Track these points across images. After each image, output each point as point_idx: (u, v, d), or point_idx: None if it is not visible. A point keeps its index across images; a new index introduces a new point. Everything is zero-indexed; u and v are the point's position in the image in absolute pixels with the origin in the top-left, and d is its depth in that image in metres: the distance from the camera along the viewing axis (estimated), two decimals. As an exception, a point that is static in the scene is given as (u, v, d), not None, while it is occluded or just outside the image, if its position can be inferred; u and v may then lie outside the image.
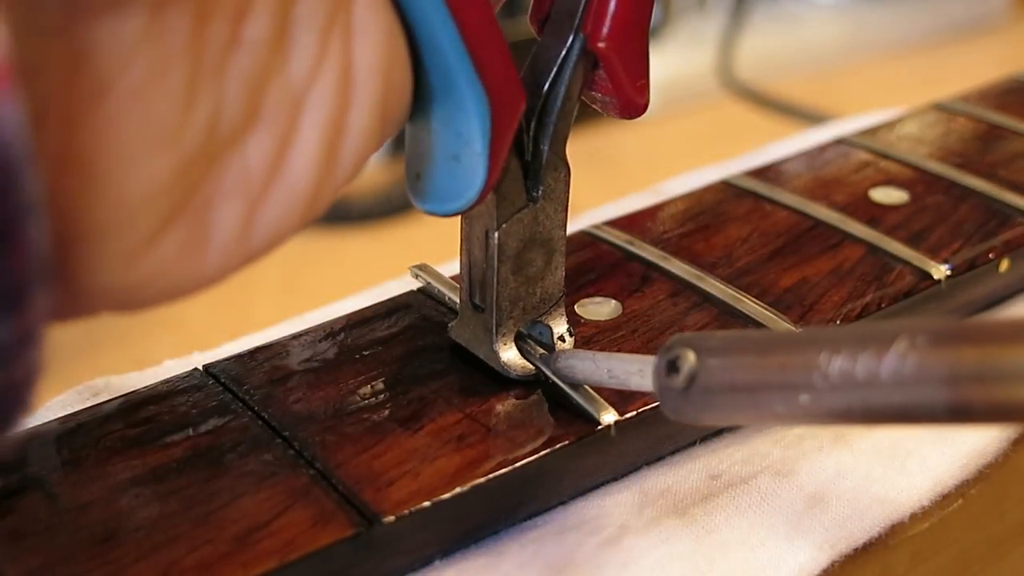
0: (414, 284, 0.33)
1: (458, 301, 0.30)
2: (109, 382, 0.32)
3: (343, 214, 1.12)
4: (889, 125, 0.44)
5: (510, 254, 0.27)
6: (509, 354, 0.28)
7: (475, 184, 0.24)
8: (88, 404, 0.28)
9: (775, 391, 0.21)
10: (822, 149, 0.42)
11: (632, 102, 0.27)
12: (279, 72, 0.22)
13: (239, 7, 0.21)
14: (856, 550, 0.27)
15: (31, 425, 0.27)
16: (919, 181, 0.39)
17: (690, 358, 0.22)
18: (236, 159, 0.22)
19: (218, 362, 0.29)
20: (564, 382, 0.27)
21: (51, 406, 0.31)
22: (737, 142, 0.51)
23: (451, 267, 0.34)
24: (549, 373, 0.27)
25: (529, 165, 0.27)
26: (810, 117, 1.13)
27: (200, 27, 0.20)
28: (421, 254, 0.32)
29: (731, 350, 0.22)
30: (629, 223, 0.36)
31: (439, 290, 0.31)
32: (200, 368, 0.29)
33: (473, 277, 0.28)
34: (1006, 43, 1.45)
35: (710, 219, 0.36)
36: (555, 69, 0.26)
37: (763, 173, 0.40)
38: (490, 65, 0.23)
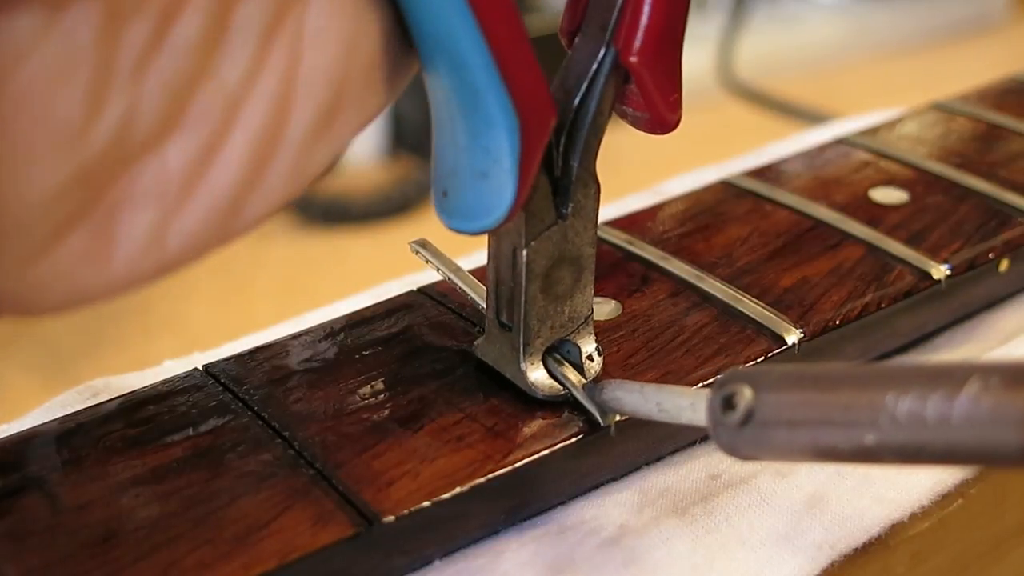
0: (414, 284, 0.33)
1: (458, 282, 0.30)
2: (109, 382, 0.32)
3: (343, 214, 1.12)
4: (889, 125, 0.44)
5: (539, 272, 0.27)
6: (537, 374, 0.28)
7: (504, 202, 0.23)
8: (88, 404, 0.28)
9: (838, 431, 0.20)
10: (822, 149, 0.42)
11: (663, 118, 0.26)
12: (210, 75, 0.20)
13: (168, 7, 0.19)
14: (856, 550, 0.27)
15: (31, 425, 0.27)
16: (919, 181, 0.39)
17: (746, 394, 0.22)
18: (152, 164, 0.20)
19: (218, 362, 0.29)
20: (608, 413, 0.27)
21: (51, 406, 0.31)
22: (737, 142, 0.51)
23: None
24: (590, 405, 0.27)
25: (559, 182, 0.26)
26: (810, 117, 1.13)
27: (114, 26, 0.19)
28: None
29: (790, 387, 0.22)
30: (629, 223, 0.36)
31: (439, 268, 0.31)
32: (200, 368, 0.29)
33: (500, 295, 0.28)
34: (1006, 43, 1.45)
35: (710, 219, 0.36)
36: (586, 83, 0.26)
37: (763, 173, 0.40)
38: (520, 79, 0.22)
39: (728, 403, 0.22)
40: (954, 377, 0.19)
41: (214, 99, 0.20)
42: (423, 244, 0.31)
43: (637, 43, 0.25)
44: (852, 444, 0.20)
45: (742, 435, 0.22)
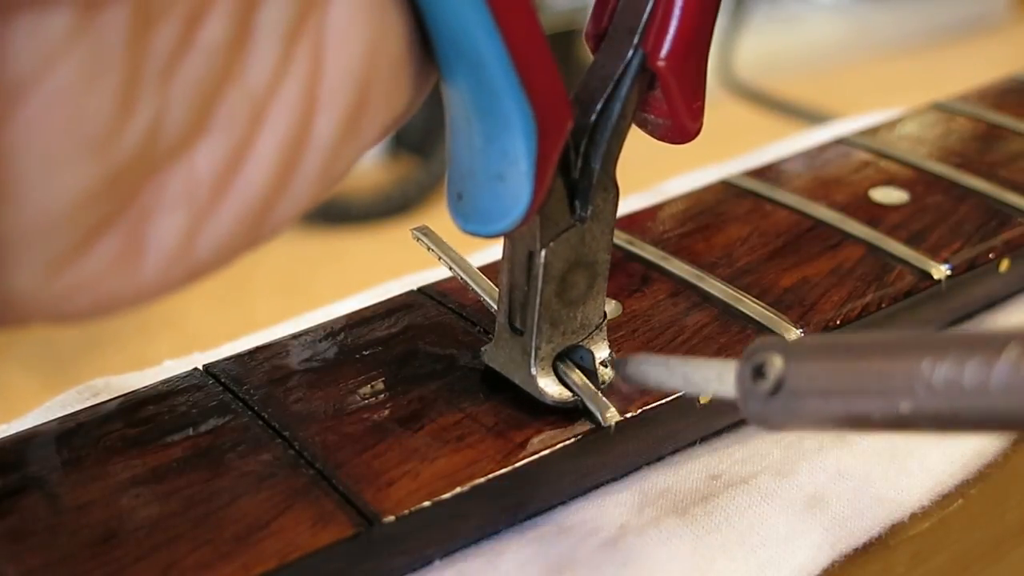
0: (414, 284, 0.33)
1: (458, 271, 0.30)
2: (109, 382, 0.32)
3: (343, 214, 1.12)
4: (889, 125, 0.44)
5: (555, 275, 0.26)
6: (547, 380, 0.27)
7: (520, 205, 0.23)
8: (88, 404, 0.28)
9: (872, 399, 0.20)
10: (822, 149, 0.42)
11: (684, 126, 0.26)
12: (236, 78, 0.20)
13: (195, 10, 0.19)
14: (856, 550, 0.27)
15: (31, 425, 0.27)
16: (919, 181, 0.39)
17: (777, 363, 0.21)
18: (181, 168, 0.20)
19: (218, 362, 0.29)
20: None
21: (51, 406, 0.31)
22: (737, 142, 0.51)
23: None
24: (595, 409, 0.27)
25: (577, 184, 0.26)
26: (810, 117, 1.13)
27: (143, 29, 0.19)
28: (421, 254, 0.32)
29: (822, 355, 0.21)
30: (629, 223, 0.36)
31: (440, 256, 0.31)
32: (200, 368, 0.29)
33: (514, 300, 0.27)
34: (1006, 43, 1.45)
35: (710, 219, 0.36)
36: (611, 86, 0.26)
37: (763, 173, 0.40)
38: (538, 81, 0.22)
39: (758, 372, 0.22)
40: (992, 343, 0.19)
41: (241, 103, 0.20)
42: (425, 232, 0.31)
43: (666, 47, 0.25)
44: (886, 412, 0.20)
45: (772, 404, 0.21)
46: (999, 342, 0.19)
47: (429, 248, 0.31)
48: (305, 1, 0.21)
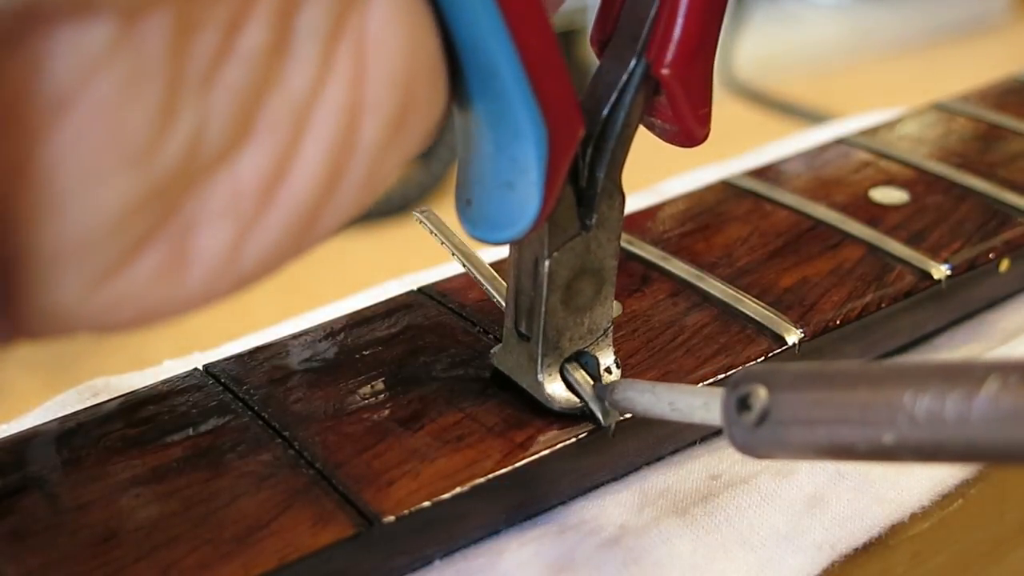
0: (414, 284, 0.33)
1: (460, 256, 0.30)
2: (109, 382, 0.32)
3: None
4: (889, 125, 0.44)
5: (560, 283, 0.26)
6: (553, 386, 0.27)
7: (529, 213, 0.23)
8: (88, 404, 0.28)
9: (855, 430, 0.20)
10: (822, 149, 0.42)
11: (692, 132, 0.26)
12: (278, 84, 0.20)
13: (235, 16, 0.19)
14: (856, 550, 0.27)
15: (31, 425, 0.27)
16: (919, 181, 0.39)
17: (761, 394, 0.22)
18: (225, 178, 0.20)
19: (218, 362, 0.29)
20: (620, 413, 0.27)
21: (51, 406, 0.31)
22: (737, 142, 0.51)
23: (451, 268, 0.34)
24: (596, 409, 0.27)
25: (584, 192, 0.26)
26: (810, 117, 1.13)
27: (184, 38, 0.19)
28: (421, 254, 0.32)
29: (806, 386, 0.21)
30: (629, 223, 0.36)
31: (442, 241, 0.30)
32: (200, 368, 0.29)
33: (520, 305, 0.27)
34: (1006, 43, 1.45)
35: (710, 219, 0.36)
36: (616, 94, 0.25)
37: (763, 173, 0.40)
38: (550, 90, 0.22)
39: (743, 403, 0.22)
40: (973, 375, 0.19)
41: (283, 110, 0.20)
42: (427, 214, 0.31)
43: (669, 55, 0.25)
44: (870, 443, 0.20)
45: (758, 435, 0.22)
46: (979, 374, 0.19)
47: (431, 232, 0.30)
48: (344, 2, 0.20)
